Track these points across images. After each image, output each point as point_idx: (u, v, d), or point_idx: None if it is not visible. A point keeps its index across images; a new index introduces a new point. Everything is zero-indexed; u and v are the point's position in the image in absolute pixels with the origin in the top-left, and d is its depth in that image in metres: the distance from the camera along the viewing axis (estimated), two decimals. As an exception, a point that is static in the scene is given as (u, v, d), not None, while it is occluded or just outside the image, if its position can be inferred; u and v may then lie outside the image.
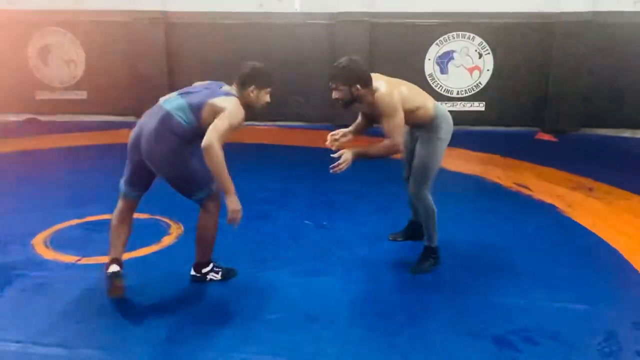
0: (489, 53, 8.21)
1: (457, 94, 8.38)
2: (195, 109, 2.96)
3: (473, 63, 8.27)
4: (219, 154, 2.84)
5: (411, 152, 3.53)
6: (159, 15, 8.46)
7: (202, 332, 2.79)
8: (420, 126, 3.39)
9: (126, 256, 3.64)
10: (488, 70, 8.27)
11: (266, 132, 8.22)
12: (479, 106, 8.41)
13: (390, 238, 4.03)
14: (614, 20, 7.90)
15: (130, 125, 8.29)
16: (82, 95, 8.84)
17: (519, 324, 2.89)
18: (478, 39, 8.17)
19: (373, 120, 3.49)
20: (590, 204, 4.95)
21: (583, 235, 4.20)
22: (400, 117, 3.15)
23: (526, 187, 5.43)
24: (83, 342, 2.68)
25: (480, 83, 8.33)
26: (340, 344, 2.70)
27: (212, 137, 2.82)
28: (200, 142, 2.86)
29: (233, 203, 2.99)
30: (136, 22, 8.47)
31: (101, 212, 4.45)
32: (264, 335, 2.76)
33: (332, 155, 3.20)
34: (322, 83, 8.40)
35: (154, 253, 3.76)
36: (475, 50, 8.22)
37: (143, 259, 3.66)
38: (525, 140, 7.86)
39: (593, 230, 4.29)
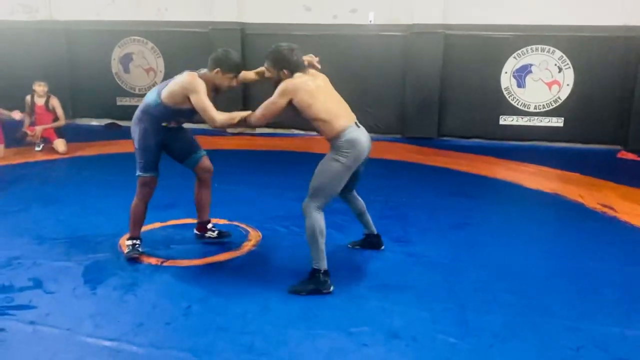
0: (569, 67, 7.91)
1: (535, 108, 8.12)
2: (160, 89, 3.54)
3: (552, 77, 7.99)
4: (222, 120, 3.40)
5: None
6: (236, 26, 8.68)
7: (285, 342, 2.80)
8: (328, 140, 3.41)
9: (208, 260, 3.78)
10: (568, 85, 7.97)
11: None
12: (557, 122, 8.10)
13: (349, 245, 4.09)
14: None
15: (205, 133, 8.48)
16: (160, 102, 9.17)
17: (615, 354, 2.74)
18: (558, 53, 7.89)
19: None
20: (684, 228, 4.66)
21: (679, 262, 3.95)
22: (277, 103, 3.29)
23: (611, 208, 5.17)
24: (172, 344, 2.76)
25: (559, 98, 8.04)
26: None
27: (209, 117, 3.39)
28: (166, 121, 3.59)
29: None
30: (213, 32, 8.73)
31: (182, 216, 4.60)
32: (348, 348, 2.75)
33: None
34: (394, 95, 8.41)
35: (235, 258, 3.83)
36: (555, 64, 7.94)
37: (224, 263, 3.74)
38: (606, 159, 7.50)
39: (689, 257, 4.03)
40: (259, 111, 3.38)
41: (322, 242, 3.31)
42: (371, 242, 4.02)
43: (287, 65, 3.34)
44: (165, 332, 2.86)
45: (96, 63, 9.30)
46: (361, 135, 3.37)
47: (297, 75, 3.34)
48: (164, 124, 3.62)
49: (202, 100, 3.38)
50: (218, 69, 3.46)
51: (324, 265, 3.33)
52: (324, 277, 3.33)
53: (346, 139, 3.30)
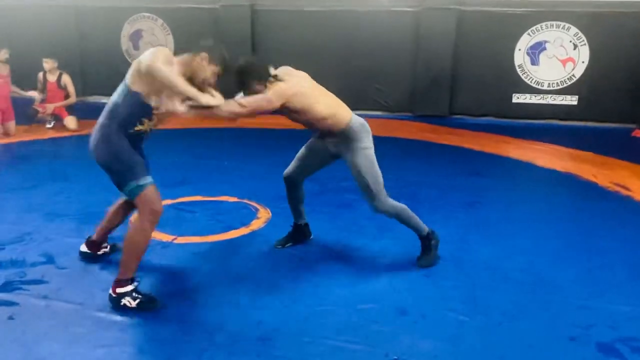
0: (584, 44, 7.76)
1: (548, 86, 7.99)
2: (126, 76, 2.86)
3: (567, 54, 7.84)
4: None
5: (311, 156, 3.43)
6: (245, 2, 8.59)
7: (294, 318, 2.81)
8: (333, 135, 3.24)
9: (219, 237, 3.78)
10: (583, 62, 7.82)
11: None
12: (571, 100, 7.98)
13: (278, 246, 3.65)
14: None
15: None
16: (170, 79, 9.15)
17: (625, 332, 2.72)
18: (573, 29, 7.74)
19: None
20: (699, 208, 4.60)
21: (692, 242, 3.91)
22: (272, 102, 3.00)
23: (625, 187, 5.11)
24: (183, 318, 2.78)
25: (573, 76, 7.90)
26: (433, 340, 2.65)
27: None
28: (129, 119, 2.83)
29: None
30: (223, 9, 8.65)
31: (192, 193, 4.62)
32: (357, 324, 2.75)
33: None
34: (405, 72, 8.31)
35: (245, 236, 3.84)
36: (570, 41, 7.79)
37: (235, 240, 3.75)
38: (620, 138, 7.40)
39: (703, 236, 3.98)
40: (244, 100, 3.01)
41: (411, 214, 3.35)
42: (303, 232, 3.72)
43: (258, 75, 3.05)
44: (176, 307, 2.88)
45: (106, 40, 9.27)
46: (360, 118, 3.34)
47: (281, 80, 3.08)
48: (133, 129, 2.88)
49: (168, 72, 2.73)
50: (206, 54, 2.84)
51: (426, 227, 3.41)
52: (433, 236, 3.43)
53: (359, 123, 3.27)
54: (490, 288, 3.16)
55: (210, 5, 8.76)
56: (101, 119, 2.93)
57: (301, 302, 2.96)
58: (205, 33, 8.81)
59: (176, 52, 2.96)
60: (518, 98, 8.12)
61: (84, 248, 3.41)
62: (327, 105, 3.20)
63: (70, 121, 7.13)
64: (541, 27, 7.83)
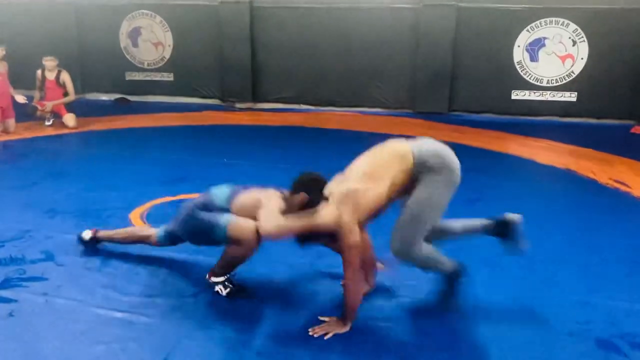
0: (583, 40, 7.75)
1: (547, 82, 7.99)
2: (235, 193, 2.97)
3: (566, 51, 7.84)
4: None
5: None
6: (245, -1, 8.58)
7: (295, 313, 2.82)
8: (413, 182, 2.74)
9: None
10: (582, 58, 7.82)
11: (344, 118, 8.19)
12: (570, 96, 7.98)
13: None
14: None
15: (214, 109, 8.49)
16: (169, 77, 9.15)
17: (624, 328, 2.73)
18: (573, 26, 7.73)
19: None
20: (698, 204, 4.60)
21: (691, 238, 3.92)
22: (354, 229, 2.60)
23: (624, 184, 5.11)
24: (182, 315, 2.79)
25: (572, 72, 7.90)
26: (434, 336, 2.66)
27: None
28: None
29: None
30: (222, 6, 8.63)
31: (192, 190, 4.59)
32: (357, 321, 2.75)
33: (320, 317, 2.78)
34: (405, 69, 8.31)
35: (244, 233, 3.84)
36: (569, 38, 7.78)
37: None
38: (619, 134, 7.40)
39: (702, 232, 3.98)
40: (352, 256, 2.61)
41: (441, 258, 2.85)
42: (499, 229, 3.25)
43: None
44: (175, 304, 2.89)
45: (105, 37, 9.24)
46: (431, 142, 2.85)
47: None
48: None
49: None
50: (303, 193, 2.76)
51: (451, 266, 2.88)
52: (455, 273, 2.90)
53: (430, 153, 2.75)
54: (490, 284, 3.17)
55: (210, 2, 8.74)
56: (193, 204, 3.03)
57: (302, 299, 2.97)
58: (204, 30, 8.83)
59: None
60: (517, 94, 8.12)
61: (87, 235, 3.49)
62: (382, 178, 2.69)
63: (69, 119, 7.13)
64: (540, 24, 7.82)
